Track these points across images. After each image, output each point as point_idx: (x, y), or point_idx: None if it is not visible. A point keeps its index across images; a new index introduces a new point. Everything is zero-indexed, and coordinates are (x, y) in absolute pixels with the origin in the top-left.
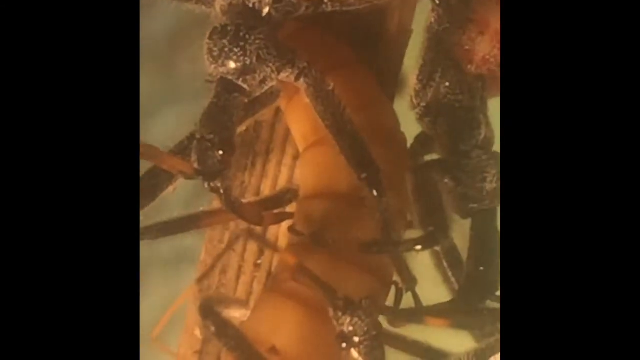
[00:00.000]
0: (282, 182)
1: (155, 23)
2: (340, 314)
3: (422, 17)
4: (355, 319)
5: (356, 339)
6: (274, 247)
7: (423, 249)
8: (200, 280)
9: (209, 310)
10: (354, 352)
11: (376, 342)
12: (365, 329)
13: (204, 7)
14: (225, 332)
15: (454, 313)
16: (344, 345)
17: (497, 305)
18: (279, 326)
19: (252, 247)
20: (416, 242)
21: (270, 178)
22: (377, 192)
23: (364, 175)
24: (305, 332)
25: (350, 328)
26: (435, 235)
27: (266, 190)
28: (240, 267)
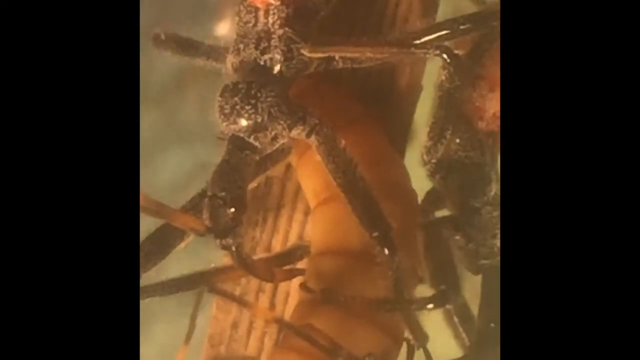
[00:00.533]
0: (293, 238)
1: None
2: None
3: (433, 73)
4: None
5: None
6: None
7: (435, 308)
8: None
9: None
10: None
11: None
12: None
13: (214, 63)
14: None
15: None
16: None
17: None
18: None
19: (264, 301)
20: (428, 300)
21: (281, 233)
22: (388, 250)
23: (375, 234)
24: None
25: None
26: (446, 294)
27: (277, 245)
28: (251, 323)
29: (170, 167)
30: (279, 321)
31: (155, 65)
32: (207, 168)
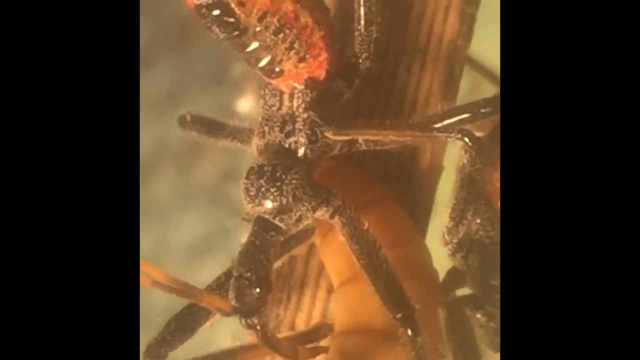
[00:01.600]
0: (316, 316)
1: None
2: None
3: (454, 152)
4: None
5: None
6: None
7: None
8: None
9: None
10: None
11: None
12: None
13: (239, 144)
14: None
15: None
16: None
17: None
18: None
19: None
20: None
21: (305, 312)
22: (412, 331)
23: (399, 316)
24: None
25: None
26: None
27: (301, 323)
28: None
29: (190, 229)
30: None
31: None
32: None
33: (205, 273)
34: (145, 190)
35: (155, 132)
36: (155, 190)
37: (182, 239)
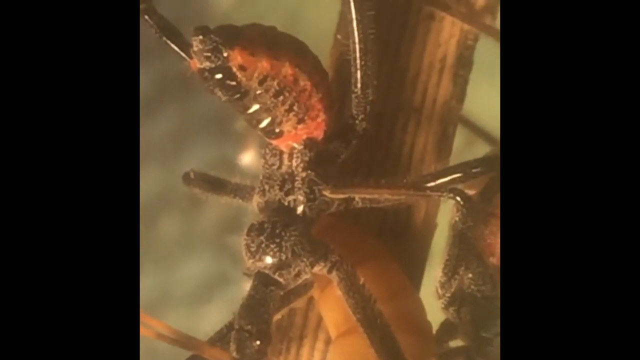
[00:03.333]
0: None
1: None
2: None
3: (447, 210)
4: None
5: None
6: None
7: None
8: None
9: None
10: None
11: None
12: None
13: (240, 201)
14: None
15: None
16: None
17: None
18: None
19: None
20: None
21: None
22: None
23: None
24: None
25: None
26: None
27: None
28: None
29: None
30: None
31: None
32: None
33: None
34: (148, 237)
35: (159, 180)
36: (158, 238)
37: (186, 287)
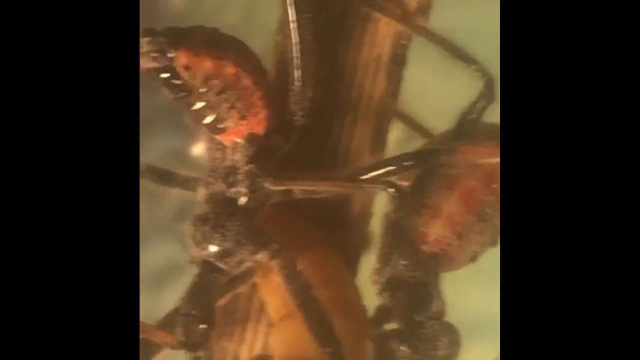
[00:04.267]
0: (258, 349)
1: None
2: None
3: (383, 200)
4: None
5: None
6: None
7: None
8: None
9: None
10: None
11: None
12: None
13: (190, 193)
14: None
15: None
16: None
17: None
18: None
19: None
20: None
21: (248, 344)
22: None
23: (328, 350)
24: None
25: None
26: None
27: (244, 356)
28: None
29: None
30: None
31: None
32: None
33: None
34: None
35: None
36: None
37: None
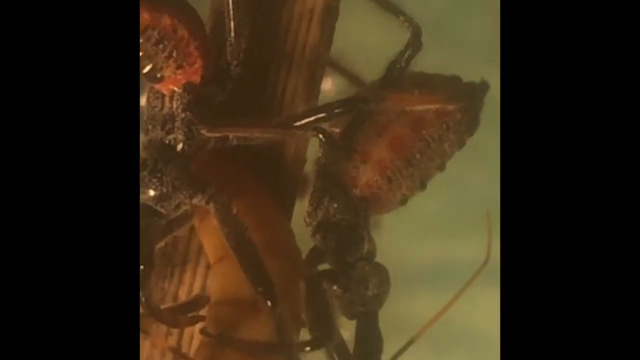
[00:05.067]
0: (196, 289)
1: None
2: None
3: (316, 146)
4: None
5: None
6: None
7: (312, 350)
8: None
9: None
10: None
11: None
12: None
13: None
14: None
15: None
16: None
17: None
18: None
19: (172, 343)
20: (305, 344)
21: (187, 285)
22: (271, 303)
23: (260, 289)
24: None
25: None
26: (321, 339)
27: (183, 296)
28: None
29: None
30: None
31: None
32: None
33: None
34: None
35: None
36: None
37: None
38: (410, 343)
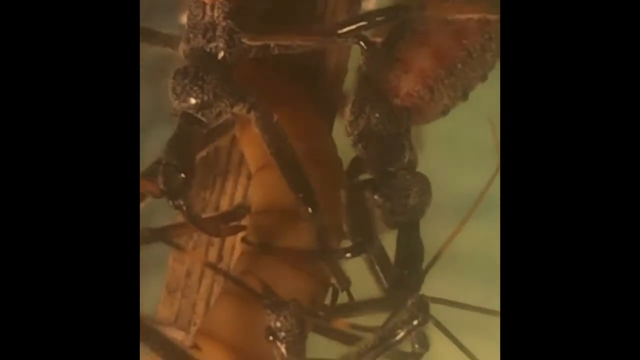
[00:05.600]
0: (238, 199)
1: None
2: (269, 311)
3: (358, 56)
4: (282, 318)
5: (282, 334)
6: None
7: (352, 257)
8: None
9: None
10: (279, 345)
11: (299, 338)
12: (290, 327)
13: (170, 49)
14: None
15: (380, 308)
16: (270, 338)
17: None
18: (218, 313)
19: (213, 253)
20: (346, 251)
21: (228, 195)
22: (311, 209)
23: (300, 195)
24: (238, 320)
25: (278, 324)
26: (362, 245)
27: (224, 206)
28: (202, 271)
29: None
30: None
31: None
32: None
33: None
34: None
35: None
36: None
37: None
38: (436, 258)
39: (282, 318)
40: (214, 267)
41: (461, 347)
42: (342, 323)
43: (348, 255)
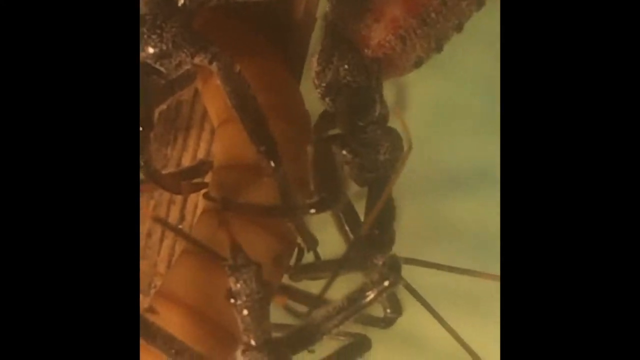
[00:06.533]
0: (201, 155)
1: None
2: (230, 273)
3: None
4: (242, 281)
5: (242, 298)
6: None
7: (316, 213)
8: None
9: None
10: (240, 308)
11: (261, 302)
12: (250, 291)
13: None
14: None
15: (348, 269)
16: (231, 300)
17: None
18: (178, 274)
19: (175, 213)
20: (310, 206)
21: (190, 151)
22: (273, 162)
23: (262, 148)
24: (198, 281)
25: (238, 287)
26: (326, 201)
27: (187, 162)
28: (163, 232)
29: None
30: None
31: None
32: None
33: None
34: None
35: None
36: None
37: None
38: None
39: (241, 281)
40: (170, 227)
41: (432, 312)
42: (281, 300)
43: (312, 211)
